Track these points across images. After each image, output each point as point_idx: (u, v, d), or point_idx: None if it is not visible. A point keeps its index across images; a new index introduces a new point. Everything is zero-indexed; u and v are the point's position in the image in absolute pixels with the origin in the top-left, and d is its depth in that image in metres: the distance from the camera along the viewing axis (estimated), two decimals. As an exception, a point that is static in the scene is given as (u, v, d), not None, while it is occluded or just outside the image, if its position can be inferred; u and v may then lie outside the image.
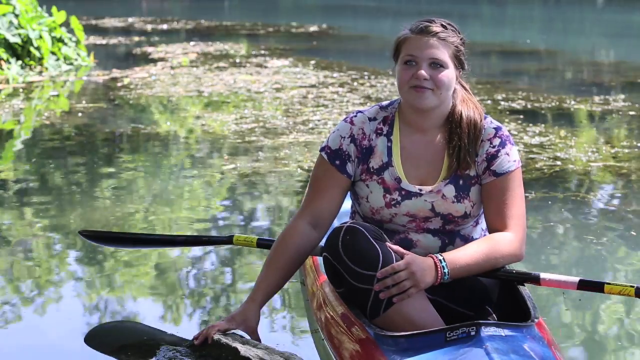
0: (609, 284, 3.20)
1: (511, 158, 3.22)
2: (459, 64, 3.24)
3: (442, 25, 3.21)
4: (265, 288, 3.27)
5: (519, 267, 3.37)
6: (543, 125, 8.38)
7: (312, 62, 13.17)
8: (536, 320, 2.95)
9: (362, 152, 3.28)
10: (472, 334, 2.78)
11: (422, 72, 3.17)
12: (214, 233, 5.39)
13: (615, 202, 6.04)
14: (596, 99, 10.08)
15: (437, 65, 3.18)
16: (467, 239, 3.27)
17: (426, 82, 3.17)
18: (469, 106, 3.27)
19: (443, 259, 3.08)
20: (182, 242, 4.07)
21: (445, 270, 3.07)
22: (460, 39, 3.24)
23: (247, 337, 3.21)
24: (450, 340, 2.80)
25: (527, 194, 5.95)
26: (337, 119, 8.52)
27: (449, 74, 3.20)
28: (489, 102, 9.69)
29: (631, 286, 3.18)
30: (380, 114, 3.32)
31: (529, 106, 9.48)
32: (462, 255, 3.12)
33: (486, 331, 2.78)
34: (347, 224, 3.11)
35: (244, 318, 3.23)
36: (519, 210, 3.23)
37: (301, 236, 3.28)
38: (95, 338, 3.82)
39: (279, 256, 3.28)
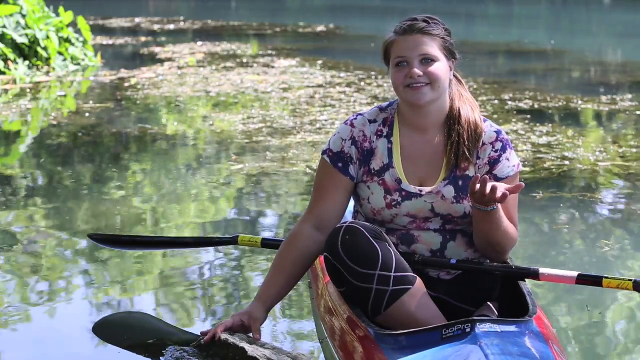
0: (607, 277, 3.25)
1: (511, 163, 3.26)
2: (449, 54, 3.27)
3: (425, 20, 3.25)
4: (270, 290, 3.28)
5: (518, 262, 3.38)
6: (550, 124, 8.38)
7: (319, 61, 13.18)
8: (534, 315, 2.96)
9: (363, 154, 3.30)
10: (468, 331, 2.79)
11: (415, 70, 3.20)
12: (221, 233, 5.40)
13: (623, 201, 6.04)
14: (603, 98, 10.07)
15: (427, 60, 3.21)
16: (469, 236, 3.29)
17: (420, 78, 3.20)
18: (465, 103, 3.30)
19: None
20: (188, 244, 4.22)
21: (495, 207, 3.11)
22: (445, 30, 3.27)
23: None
24: (446, 338, 2.82)
25: (534, 194, 5.95)
26: (344, 118, 8.51)
27: (441, 66, 3.22)
28: (495, 101, 9.68)
29: (629, 280, 3.21)
30: (380, 115, 3.34)
31: (536, 106, 9.48)
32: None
33: (481, 327, 2.79)
34: (346, 224, 3.12)
35: (250, 314, 3.24)
36: (515, 209, 3.30)
37: (305, 239, 3.29)
38: (103, 329, 3.85)
39: (284, 260, 3.30)
